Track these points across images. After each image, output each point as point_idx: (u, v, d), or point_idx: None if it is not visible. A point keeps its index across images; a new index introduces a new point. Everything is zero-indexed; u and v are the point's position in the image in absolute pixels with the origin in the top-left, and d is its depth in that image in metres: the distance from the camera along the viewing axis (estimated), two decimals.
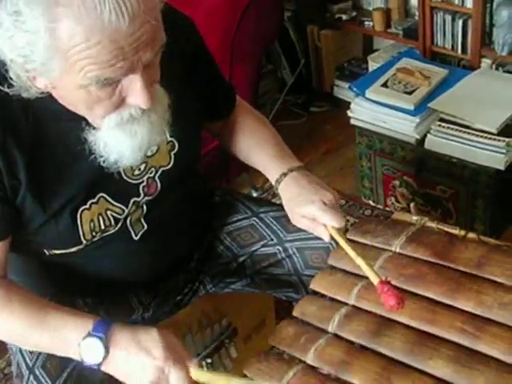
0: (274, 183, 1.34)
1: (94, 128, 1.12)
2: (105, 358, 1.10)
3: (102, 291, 1.36)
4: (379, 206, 2.53)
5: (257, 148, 1.41)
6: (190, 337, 1.57)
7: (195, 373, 1.11)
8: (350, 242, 1.22)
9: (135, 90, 1.04)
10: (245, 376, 1.12)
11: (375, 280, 1.10)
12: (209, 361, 1.56)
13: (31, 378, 1.25)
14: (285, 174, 1.32)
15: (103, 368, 1.12)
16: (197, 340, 1.58)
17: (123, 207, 1.24)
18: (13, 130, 1.11)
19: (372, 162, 2.45)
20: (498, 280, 1.11)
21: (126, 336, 1.12)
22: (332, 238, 1.23)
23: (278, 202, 1.46)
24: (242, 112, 1.48)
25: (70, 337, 1.12)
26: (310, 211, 1.25)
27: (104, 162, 1.14)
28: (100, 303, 1.36)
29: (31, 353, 1.28)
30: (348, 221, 2.42)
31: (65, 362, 1.23)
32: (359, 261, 1.15)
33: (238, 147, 1.45)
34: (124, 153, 1.12)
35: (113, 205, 1.23)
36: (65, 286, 1.33)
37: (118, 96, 1.05)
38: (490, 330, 1.03)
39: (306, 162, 2.82)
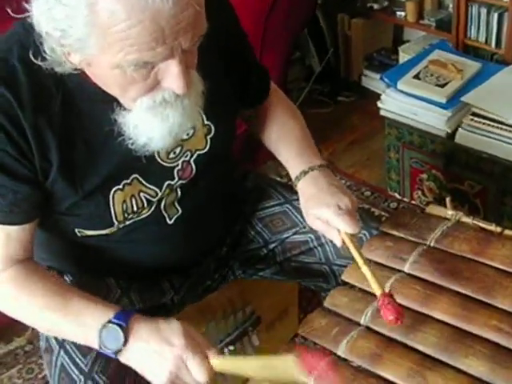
0: (293, 180, 1.32)
1: (125, 109, 1.10)
2: (123, 346, 1.10)
3: (134, 273, 1.35)
4: (405, 199, 2.51)
5: (282, 141, 1.39)
6: (213, 324, 1.57)
7: (215, 361, 1.10)
8: (360, 249, 1.19)
9: (171, 75, 1.03)
10: None
11: (378, 291, 1.08)
12: (231, 348, 1.56)
13: (62, 352, 1.25)
14: (305, 173, 1.30)
15: (121, 358, 1.11)
16: (220, 327, 1.58)
17: (157, 190, 1.23)
18: (45, 108, 1.09)
19: (400, 154, 2.43)
20: None
21: (147, 326, 1.11)
22: (344, 243, 1.19)
23: None
24: (274, 101, 1.46)
25: (91, 323, 1.12)
26: (324, 214, 1.21)
27: (132, 144, 1.12)
28: (132, 285, 1.35)
29: None
30: (373, 213, 2.40)
31: None
32: (365, 269, 1.13)
33: (267, 137, 1.43)
34: (153, 136, 1.11)
35: (146, 187, 1.21)
36: (98, 267, 1.33)
37: (153, 79, 1.04)
38: None
39: (331, 152, 2.85)
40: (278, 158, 1.40)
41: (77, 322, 1.13)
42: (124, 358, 1.11)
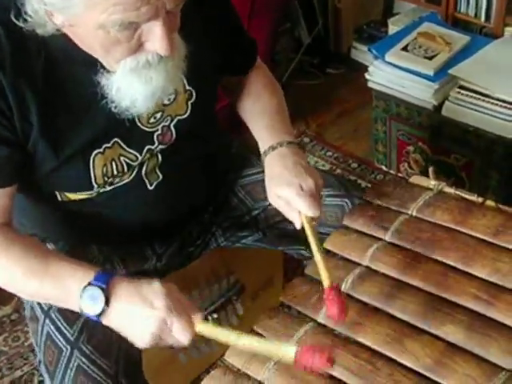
0: (261, 154, 1.31)
1: (108, 72, 1.10)
2: (105, 309, 1.08)
3: (116, 240, 1.35)
4: (392, 172, 2.51)
5: (255, 114, 1.39)
6: (197, 292, 1.58)
7: (200, 326, 1.09)
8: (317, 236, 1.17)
9: (155, 36, 1.02)
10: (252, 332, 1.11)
11: (325, 282, 1.08)
12: (215, 316, 1.57)
13: (47, 321, 1.25)
14: (273, 148, 1.28)
15: (103, 320, 1.10)
16: (204, 295, 1.59)
17: (137, 154, 1.23)
18: (26, 68, 1.08)
19: (387, 126, 2.42)
20: None
21: (128, 287, 1.10)
22: (302, 226, 1.18)
23: None
24: (255, 74, 1.45)
25: (71, 285, 1.10)
26: (285, 194, 1.20)
27: (116, 107, 1.12)
28: (115, 251, 1.35)
29: None
30: (360, 185, 2.41)
31: None
32: (318, 256, 1.12)
33: (241, 108, 1.44)
34: (136, 99, 1.11)
35: (126, 151, 1.21)
36: (80, 234, 1.33)
37: (137, 40, 1.04)
38: (504, 298, 1.03)
39: (319, 124, 2.85)
40: (251, 131, 1.39)
41: (58, 286, 1.11)
42: (106, 320, 1.10)
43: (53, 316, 1.25)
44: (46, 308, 1.26)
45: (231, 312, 1.67)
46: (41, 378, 1.96)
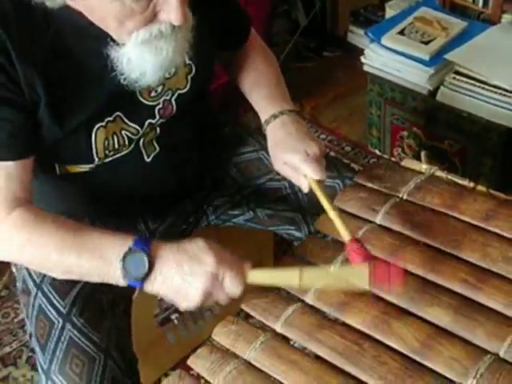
0: (262, 123, 1.33)
1: (118, 44, 1.10)
2: (148, 273, 1.06)
3: (110, 213, 1.34)
4: (385, 156, 2.51)
5: (255, 85, 1.41)
6: None
7: (250, 275, 1.09)
8: (327, 195, 1.19)
9: (171, 6, 1.03)
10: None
11: (346, 237, 1.09)
12: None
13: (39, 294, 1.25)
14: (274, 116, 1.31)
15: (147, 285, 1.08)
16: None
17: (138, 128, 1.23)
18: (32, 39, 1.08)
19: (382, 110, 2.42)
20: (505, 234, 1.11)
21: (172, 248, 1.09)
22: (311, 189, 1.21)
23: None
24: (252, 47, 1.47)
25: (111, 255, 1.08)
26: (292, 160, 1.23)
27: (125, 79, 1.13)
28: (108, 225, 1.34)
29: None
30: (357, 170, 2.40)
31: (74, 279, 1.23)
32: (333, 214, 1.14)
33: (241, 81, 1.45)
34: (146, 70, 1.11)
35: (128, 125, 1.21)
36: (74, 206, 1.33)
37: (152, 10, 1.04)
38: (492, 283, 1.03)
39: (314, 106, 2.84)
40: (250, 102, 1.41)
41: (97, 257, 1.09)
42: (150, 285, 1.08)
43: (45, 289, 1.25)
44: (38, 281, 1.26)
45: None
46: (30, 354, 1.97)
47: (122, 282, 1.09)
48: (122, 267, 1.07)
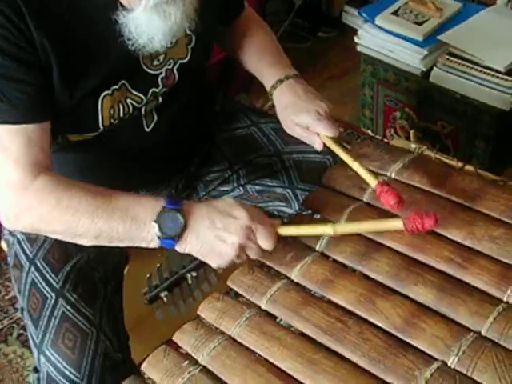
0: (269, 89, 1.35)
1: (126, 9, 1.11)
2: (183, 231, 1.07)
3: (105, 185, 1.33)
4: (377, 137, 2.50)
5: (256, 54, 1.43)
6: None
7: (282, 228, 1.11)
8: (344, 148, 1.24)
9: None
10: None
11: (373, 182, 1.12)
12: (194, 274, 1.57)
13: (32, 269, 1.25)
14: (281, 81, 1.33)
15: (180, 245, 1.08)
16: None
17: (142, 96, 1.24)
18: (46, 3, 1.07)
19: (375, 91, 2.41)
20: (491, 214, 1.10)
21: (203, 206, 1.10)
22: (325, 146, 1.25)
23: None
24: (248, 19, 1.48)
25: (143, 215, 1.07)
26: (304, 120, 1.27)
27: (133, 45, 1.13)
28: None
29: (31, 245, 1.28)
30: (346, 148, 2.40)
31: (67, 255, 1.23)
32: (356, 165, 1.16)
33: (240, 52, 1.46)
34: (155, 35, 1.12)
35: (132, 93, 1.22)
36: (69, 176, 1.31)
37: None
38: (477, 262, 1.03)
39: None
40: (253, 73, 1.43)
41: (129, 218, 1.08)
42: (184, 244, 1.08)
43: (38, 264, 1.25)
44: (31, 256, 1.27)
45: (210, 271, 1.67)
46: (21, 331, 1.97)
47: (154, 242, 1.08)
48: (157, 227, 1.07)
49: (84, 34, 1.12)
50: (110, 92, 1.18)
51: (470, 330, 0.94)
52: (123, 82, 1.20)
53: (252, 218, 1.07)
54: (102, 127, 1.21)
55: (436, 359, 0.92)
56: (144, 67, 1.22)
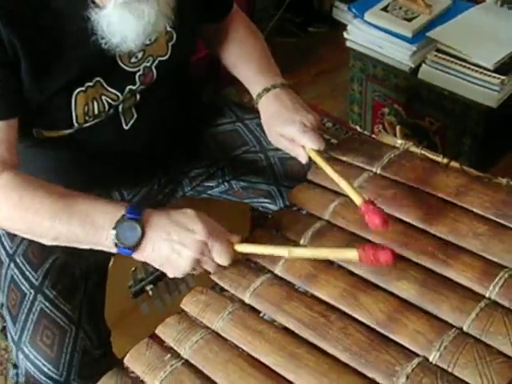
0: (255, 98, 1.32)
1: (98, 6, 1.09)
2: (140, 241, 1.06)
3: (85, 183, 1.32)
4: (366, 132, 2.50)
5: (243, 60, 1.39)
6: None
7: (238, 246, 1.10)
8: (330, 162, 1.20)
9: None
10: None
11: (359, 200, 1.09)
12: None
13: (12, 265, 1.24)
14: (267, 90, 1.30)
15: (137, 254, 1.08)
16: None
17: (118, 94, 1.22)
18: (19, 6, 1.07)
19: (363, 86, 2.41)
20: (475, 210, 1.11)
21: (162, 217, 1.09)
22: (310, 159, 1.22)
23: None
24: (236, 20, 1.45)
25: (102, 221, 1.07)
26: (289, 131, 1.23)
27: (106, 44, 1.12)
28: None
29: (11, 241, 1.27)
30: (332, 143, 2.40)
31: (48, 251, 1.22)
32: (343, 183, 1.14)
33: (227, 56, 1.43)
34: (128, 35, 1.11)
35: (108, 90, 1.20)
36: (48, 174, 1.30)
37: None
38: (461, 258, 1.03)
39: (296, 82, 2.82)
40: (238, 77, 1.40)
41: (88, 223, 1.08)
42: (140, 253, 1.08)
43: (17, 260, 1.24)
44: (11, 252, 1.26)
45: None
46: (4, 324, 1.96)
47: (113, 249, 1.08)
48: (115, 234, 1.06)
49: (56, 31, 1.11)
50: (83, 89, 1.17)
51: (452, 326, 0.94)
52: (98, 78, 1.18)
53: (209, 233, 1.06)
54: (76, 124, 1.20)
55: (418, 355, 0.92)
56: (121, 64, 1.20)
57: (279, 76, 1.36)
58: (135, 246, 1.07)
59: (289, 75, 2.83)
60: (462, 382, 0.88)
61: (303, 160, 1.23)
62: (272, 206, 1.42)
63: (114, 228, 1.06)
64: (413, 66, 2.21)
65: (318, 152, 1.21)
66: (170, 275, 1.10)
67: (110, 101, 1.22)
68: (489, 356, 0.89)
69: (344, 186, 1.14)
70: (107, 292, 1.34)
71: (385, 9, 2.30)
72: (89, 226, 1.08)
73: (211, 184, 1.48)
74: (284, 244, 1.13)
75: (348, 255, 1.04)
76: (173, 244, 1.06)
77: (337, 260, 1.08)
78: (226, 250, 1.07)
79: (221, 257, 1.07)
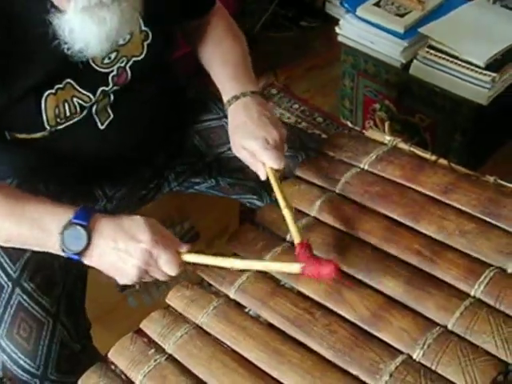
0: (225, 104, 1.30)
1: (60, 11, 1.07)
2: (87, 247, 1.05)
3: (65, 179, 1.32)
4: (357, 128, 2.50)
5: (218, 62, 1.37)
6: None
7: (186, 256, 1.08)
8: (282, 186, 1.17)
9: None
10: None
11: (296, 239, 1.06)
12: None
13: None
14: (236, 98, 1.27)
15: (85, 259, 1.08)
16: None
17: (90, 95, 1.20)
18: None
19: (355, 82, 2.40)
20: (463, 208, 1.10)
21: (110, 223, 1.07)
22: (268, 178, 1.18)
23: None
24: (217, 20, 1.42)
25: (50, 225, 1.06)
26: (251, 146, 1.20)
27: (68, 49, 1.09)
28: (63, 191, 1.32)
29: None
30: (322, 139, 2.40)
31: None
32: (286, 212, 1.10)
33: (203, 57, 1.41)
34: (90, 41, 1.08)
35: (80, 92, 1.19)
36: (28, 172, 1.30)
37: None
38: (447, 256, 1.03)
39: (288, 76, 2.82)
40: (212, 78, 1.37)
41: (36, 226, 1.07)
42: (88, 259, 1.07)
43: None
44: None
45: None
46: None
47: (61, 253, 1.08)
48: (61, 240, 1.06)
49: (19, 35, 1.09)
50: (53, 91, 1.15)
51: (436, 324, 0.94)
52: (68, 80, 1.16)
53: (156, 241, 1.05)
54: (48, 127, 1.18)
55: (401, 352, 0.92)
56: (93, 65, 1.18)
57: (253, 83, 1.32)
58: (81, 253, 1.06)
59: (280, 69, 2.86)
60: (445, 380, 0.88)
61: (262, 177, 1.19)
62: (259, 203, 1.41)
63: (61, 233, 1.06)
64: (404, 61, 2.21)
65: (277, 171, 1.18)
66: (120, 282, 1.10)
67: (81, 102, 1.20)
68: (472, 354, 0.89)
69: (287, 217, 1.10)
70: (94, 286, 1.33)
71: (377, 4, 2.29)
72: (37, 229, 1.08)
73: (198, 180, 1.47)
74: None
75: (291, 268, 1.03)
76: (119, 252, 1.06)
77: (280, 273, 1.07)
78: (173, 260, 1.06)
79: (167, 266, 1.06)
